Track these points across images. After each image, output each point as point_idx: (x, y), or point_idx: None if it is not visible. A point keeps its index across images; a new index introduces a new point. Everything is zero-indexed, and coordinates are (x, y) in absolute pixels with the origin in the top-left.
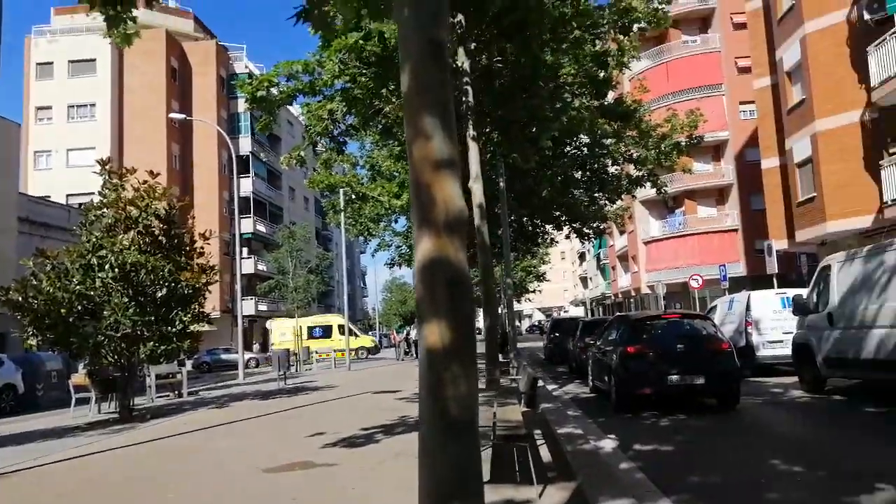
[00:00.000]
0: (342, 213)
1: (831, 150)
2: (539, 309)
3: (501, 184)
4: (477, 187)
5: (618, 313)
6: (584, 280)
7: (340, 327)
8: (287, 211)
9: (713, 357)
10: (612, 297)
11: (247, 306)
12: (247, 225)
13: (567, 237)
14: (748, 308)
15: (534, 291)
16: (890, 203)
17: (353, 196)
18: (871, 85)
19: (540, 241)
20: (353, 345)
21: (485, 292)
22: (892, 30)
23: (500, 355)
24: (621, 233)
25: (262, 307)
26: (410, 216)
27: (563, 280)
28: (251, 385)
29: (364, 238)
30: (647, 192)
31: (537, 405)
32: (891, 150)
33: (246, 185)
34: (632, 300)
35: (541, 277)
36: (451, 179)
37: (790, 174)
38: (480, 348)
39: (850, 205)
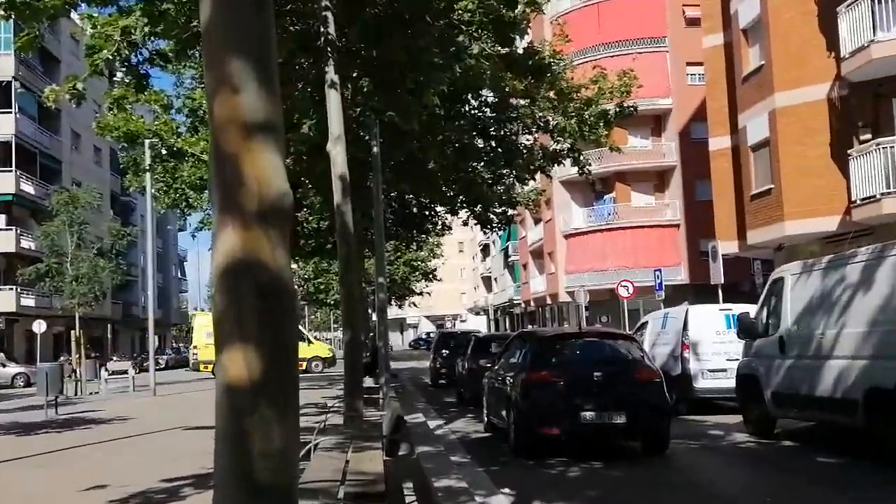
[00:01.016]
0: (148, 174)
1: (793, 132)
2: (429, 317)
3: (375, 149)
4: (338, 152)
5: (525, 328)
6: (487, 281)
7: None
8: (69, 166)
9: (639, 389)
10: (523, 306)
11: (2, 299)
12: (5, 182)
13: (465, 223)
14: (685, 327)
15: (421, 294)
16: (859, 202)
17: (165, 151)
18: (841, 54)
19: (430, 227)
20: (304, 353)
21: (345, 295)
22: None
23: (369, 379)
24: (536, 222)
25: (28, 301)
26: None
27: (459, 280)
28: (5, 413)
29: (181, 211)
30: (569, 170)
31: (412, 450)
32: (862, 137)
33: (6, 125)
34: (547, 309)
35: (430, 276)
36: (269, 150)
37: (743, 159)
38: (338, 370)
39: (814, 202)
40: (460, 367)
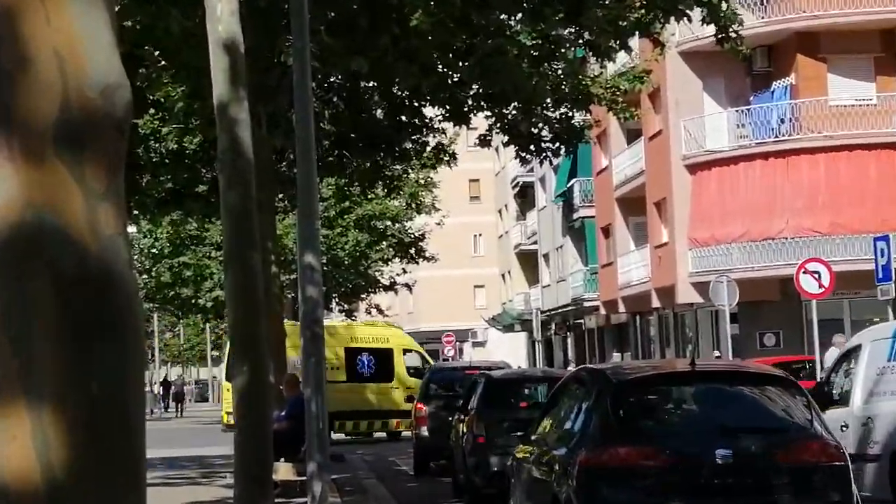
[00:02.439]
0: None
1: None
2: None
3: None
4: None
5: (595, 360)
6: (526, 262)
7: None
8: None
9: (802, 481)
10: (602, 312)
11: None
12: None
13: (483, 141)
14: None
15: (393, 289)
16: None
17: None
18: None
19: (409, 148)
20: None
21: (236, 289)
22: None
23: (283, 465)
24: (630, 139)
25: None
26: None
27: (470, 260)
28: None
29: None
30: (699, 31)
31: None
32: None
33: None
34: (652, 319)
35: (413, 251)
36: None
37: None
38: (221, 442)
39: None
40: (459, 433)
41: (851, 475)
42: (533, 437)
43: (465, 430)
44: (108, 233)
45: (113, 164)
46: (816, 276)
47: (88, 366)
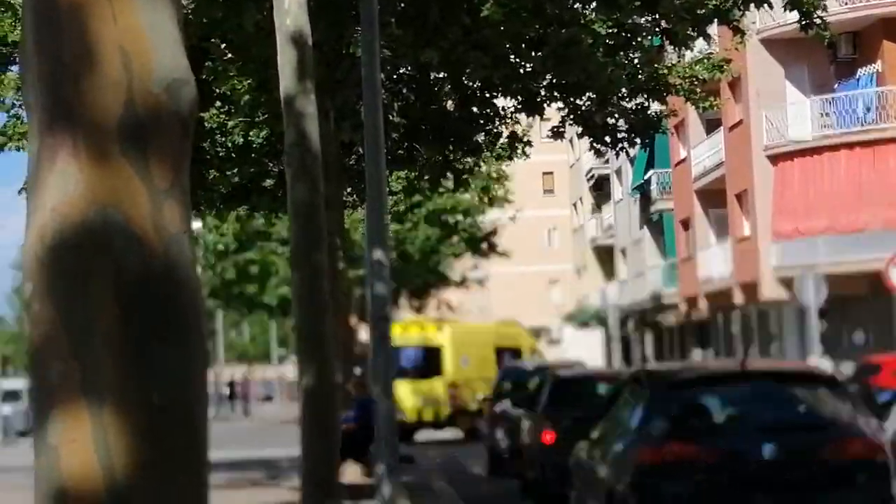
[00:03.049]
0: None
1: None
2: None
3: None
4: None
5: (642, 367)
6: (604, 257)
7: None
8: None
9: (844, 475)
10: (684, 308)
11: None
12: None
13: (556, 133)
14: None
15: (464, 284)
16: None
17: None
18: None
19: (482, 141)
20: None
21: (303, 287)
22: None
23: (352, 466)
24: (710, 129)
25: None
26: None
27: (545, 255)
28: None
29: None
30: (781, 17)
31: None
32: None
33: None
34: (736, 315)
35: (486, 245)
36: None
37: None
38: (286, 443)
39: None
40: (524, 434)
41: (892, 471)
42: (594, 436)
43: (529, 430)
44: (173, 231)
45: (178, 160)
46: None
47: (150, 369)
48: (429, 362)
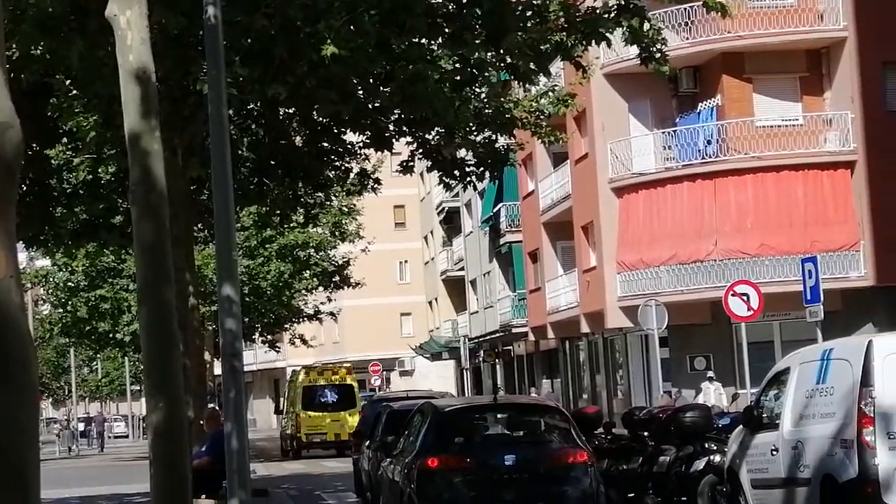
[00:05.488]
0: None
1: None
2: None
3: (211, 9)
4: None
5: (430, 401)
6: (454, 289)
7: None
8: None
9: (561, 473)
10: (532, 338)
11: None
12: None
13: (404, 168)
14: (865, 380)
15: (317, 318)
16: None
17: None
18: None
19: (331, 175)
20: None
21: (151, 323)
22: None
23: (206, 500)
24: (556, 162)
25: None
26: None
27: (397, 287)
28: None
29: None
30: (624, 52)
31: None
32: None
33: None
34: (581, 344)
35: (339, 279)
36: None
37: None
38: (140, 479)
39: None
40: (365, 459)
41: (595, 469)
42: (394, 452)
43: (368, 456)
44: None
45: (2, 205)
46: (745, 298)
47: None
48: (343, 398)
